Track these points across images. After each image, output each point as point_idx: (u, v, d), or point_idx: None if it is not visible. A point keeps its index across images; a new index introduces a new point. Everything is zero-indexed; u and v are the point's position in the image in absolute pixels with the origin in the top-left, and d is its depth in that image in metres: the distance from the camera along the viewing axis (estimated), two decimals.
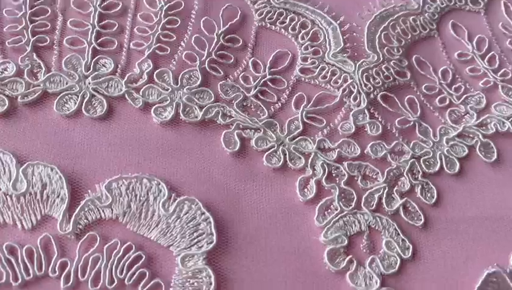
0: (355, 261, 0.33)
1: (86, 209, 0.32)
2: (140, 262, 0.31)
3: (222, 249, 0.32)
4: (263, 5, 0.42)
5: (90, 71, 0.36)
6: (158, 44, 0.38)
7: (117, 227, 0.32)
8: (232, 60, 0.38)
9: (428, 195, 0.36)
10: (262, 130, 0.36)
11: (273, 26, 0.41)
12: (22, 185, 0.32)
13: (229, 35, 0.39)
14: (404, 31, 0.43)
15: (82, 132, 0.35)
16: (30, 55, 0.36)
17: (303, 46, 0.40)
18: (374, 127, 0.37)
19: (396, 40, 0.42)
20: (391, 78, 0.40)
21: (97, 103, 0.36)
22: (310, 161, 0.35)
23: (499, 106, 0.41)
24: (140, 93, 0.36)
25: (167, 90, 0.36)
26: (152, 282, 0.31)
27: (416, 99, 0.40)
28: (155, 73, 0.37)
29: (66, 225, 0.32)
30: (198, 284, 0.31)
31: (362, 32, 0.42)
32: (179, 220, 0.32)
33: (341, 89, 0.39)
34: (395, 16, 0.43)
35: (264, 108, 0.37)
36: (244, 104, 0.37)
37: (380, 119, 0.38)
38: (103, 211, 0.32)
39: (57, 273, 0.30)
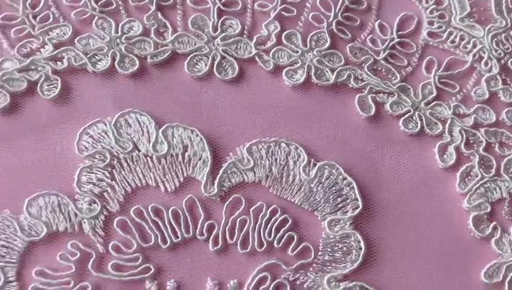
0: (499, 228, 0.32)
1: (229, 172, 0.32)
2: (288, 225, 0.31)
3: (367, 214, 0.31)
4: None
5: (217, 32, 0.35)
6: (283, 5, 0.37)
7: (260, 190, 0.32)
8: (358, 23, 0.37)
9: None
10: (396, 94, 0.35)
11: None
12: (162, 146, 0.32)
13: None
14: None
15: (214, 94, 0.34)
16: (155, 14, 0.35)
17: (428, 10, 0.38)
18: (507, 93, 0.36)
19: None
20: None
21: (228, 65, 0.35)
22: (447, 126, 0.34)
23: None
24: (271, 56, 0.35)
25: (297, 52, 0.35)
26: (301, 246, 0.30)
27: None
28: (283, 35, 0.36)
29: (210, 187, 0.31)
30: (347, 248, 0.30)
31: None
32: (320, 185, 0.32)
33: (471, 54, 0.37)
34: None
35: (395, 72, 0.36)
36: (375, 67, 0.36)
37: None
38: (246, 174, 0.32)
39: (205, 235, 0.30)
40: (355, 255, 0.30)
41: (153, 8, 0.35)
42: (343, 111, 0.34)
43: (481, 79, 0.36)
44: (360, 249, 0.30)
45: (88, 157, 0.31)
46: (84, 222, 0.29)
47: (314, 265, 0.30)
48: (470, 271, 0.31)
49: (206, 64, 0.34)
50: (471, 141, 0.34)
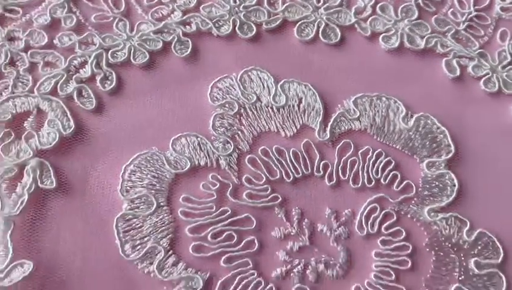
0: None
1: (339, 121, 0.37)
2: (391, 166, 0.36)
3: (458, 157, 0.36)
4: None
5: (321, 3, 0.40)
6: None
7: (366, 137, 0.37)
8: None
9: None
10: (476, 59, 0.40)
11: None
12: (281, 98, 0.37)
13: None
14: None
15: (319, 56, 0.39)
16: None
17: None
18: None
19: None
20: None
21: (331, 31, 0.40)
22: None
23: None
24: (368, 23, 0.40)
25: (390, 21, 0.40)
26: (404, 183, 0.35)
27: None
28: (378, 6, 0.41)
29: (323, 133, 0.36)
30: (443, 185, 0.35)
31: None
32: (418, 133, 0.37)
33: None
34: None
35: (474, 40, 0.41)
36: (456, 36, 0.41)
37: None
38: (353, 122, 0.37)
39: (321, 173, 0.35)
40: (449, 191, 0.35)
41: None
42: (432, 73, 0.39)
43: None
44: (454, 185, 0.35)
45: (220, 106, 0.36)
46: (221, 159, 0.35)
47: (415, 199, 0.35)
48: None
49: (312, 31, 0.39)
50: None
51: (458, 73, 0.39)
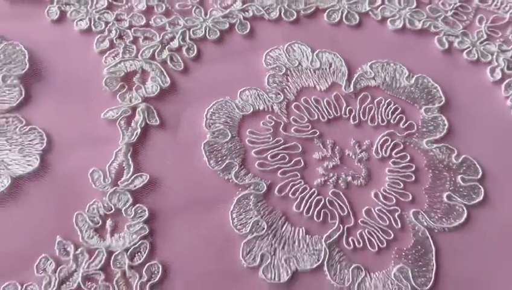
0: None
1: (359, 79, 0.50)
2: (398, 111, 0.49)
3: (447, 105, 0.49)
4: None
5: None
6: None
7: (379, 91, 0.50)
8: None
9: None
10: (460, 37, 0.53)
11: None
12: (316, 63, 0.50)
13: None
14: None
15: (343, 34, 0.52)
16: None
17: None
18: None
19: None
20: None
21: (351, 16, 0.53)
22: (494, 57, 0.52)
23: None
24: (379, 11, 0.53)
25: (395, 9, 0.54)
26: (408, 122, 0.48)
27: None
28: None
29: (348, 88, 0.49)
30: (437, 124, 0.48)
31: None
32: (417, 88, 0.50)
33: (508, 13, 0.55)
34: None
35: (458, 23, 0.54)
36: (445, 20, 0.54)
37: None
38: (369, 81, 0.50)
39: (347, 115, 0.48)
40: (441, 128, 0.48)
41: None
42: (427, 46, 0.53)
43: None
44: (445, 125, 0.48)
45: (272, 69, 0.49)
46: (274, 105, 0.47)
47: (416, 134, 0.48)
48: None
49: (338, 16, 0.53)
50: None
51: (447, 47, 0.52)
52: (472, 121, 0.49)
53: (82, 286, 0.39)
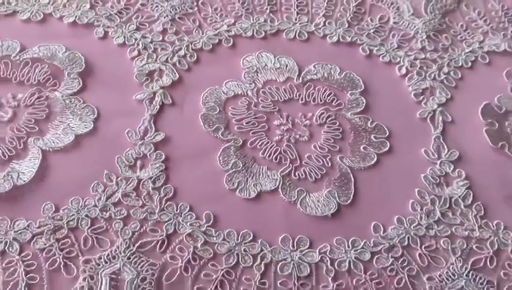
0: None
1: (306, 74, 0.72)
2: (332, 94, 0.71)
3: (365, 90, 0.71)
4: None
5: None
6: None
7: (319, 82, 0.72)
8: (360, 18, 0.79)
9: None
10: (378, 46, 0.76)
11: None
12: (277, 64, 0.73)
13: None
14: None
15: (296, 46, 0.76)
16: None
17: (391, 9, 0.81)
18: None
19: None
20: None
21: (302, 34, 0.77)
22: (401, 59, 0.75)
23: None
24: (321, 29, 0.77)
25: (333, 28, 0.77)
26: (338, 100, 0.70)
27: None
28: (327, 22, 0.78)
29: (298, 80, 0.72)
30: (358, 101, 0.70)
31: None
32: (345, 79, 0.73)
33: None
34: None
35: (377, 37, 0.77)
36: (368, 36, 0.77)
37: None
38: (313, 75, 0.72)
39: (297, 97, 0.70)
40: (361, 104, 0.70)
41: None
42: (354, 53, 0.76)
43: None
44: (363, 103, 0.69)
45: (247, 68, 0.72)
46: (248, 91, 0.70)
47: (344, 109, 0.70)
48: None
49: (292, 34, 0.76)
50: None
51: (368, 53, 0.76)
52: (383, 100, 0.72)
53: (121, 200, 0.60)
